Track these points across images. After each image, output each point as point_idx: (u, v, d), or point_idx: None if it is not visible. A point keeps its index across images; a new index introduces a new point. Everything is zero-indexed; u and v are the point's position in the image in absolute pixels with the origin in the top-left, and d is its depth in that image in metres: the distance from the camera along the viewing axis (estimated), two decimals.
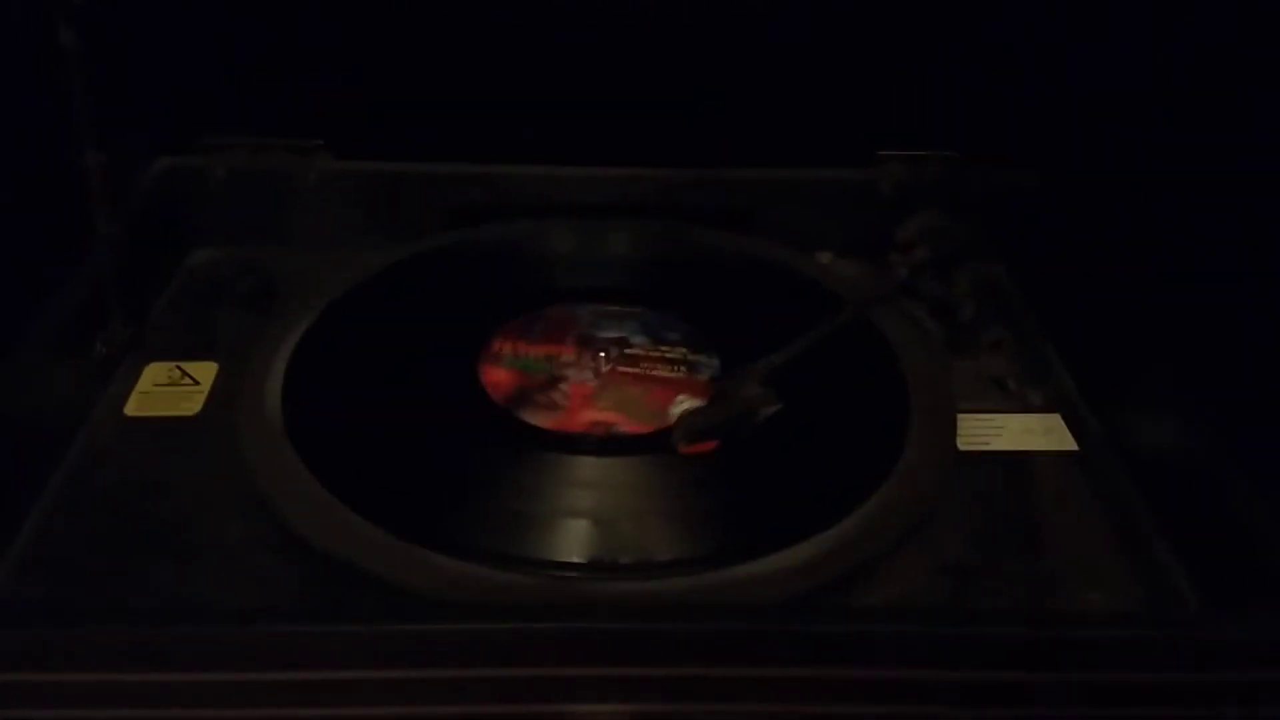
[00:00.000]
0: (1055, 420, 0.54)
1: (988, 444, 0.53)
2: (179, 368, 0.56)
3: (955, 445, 0.50)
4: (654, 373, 0.54)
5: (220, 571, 0.45)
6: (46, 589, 0.44)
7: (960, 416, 0.52)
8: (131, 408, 0.53)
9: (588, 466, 0.48)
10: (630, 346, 0.55)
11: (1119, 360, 0.55)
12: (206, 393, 0.54)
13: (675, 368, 0.54)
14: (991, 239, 0.64)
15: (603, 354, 0.55)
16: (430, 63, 0.64)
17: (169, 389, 0.54)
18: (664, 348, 0.55)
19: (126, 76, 0.59)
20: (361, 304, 0.57)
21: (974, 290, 0.60)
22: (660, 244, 0.63)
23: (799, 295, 0.60)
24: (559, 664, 0.36)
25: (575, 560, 0.44)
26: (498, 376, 0.53)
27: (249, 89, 0.64)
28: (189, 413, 0.53)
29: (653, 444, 0.49)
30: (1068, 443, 0.53)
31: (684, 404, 0.51)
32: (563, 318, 0.57)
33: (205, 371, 0.56)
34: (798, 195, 0.66)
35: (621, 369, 0.54)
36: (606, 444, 0.49)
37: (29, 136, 0.55)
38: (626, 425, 0.51)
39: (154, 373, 0.55)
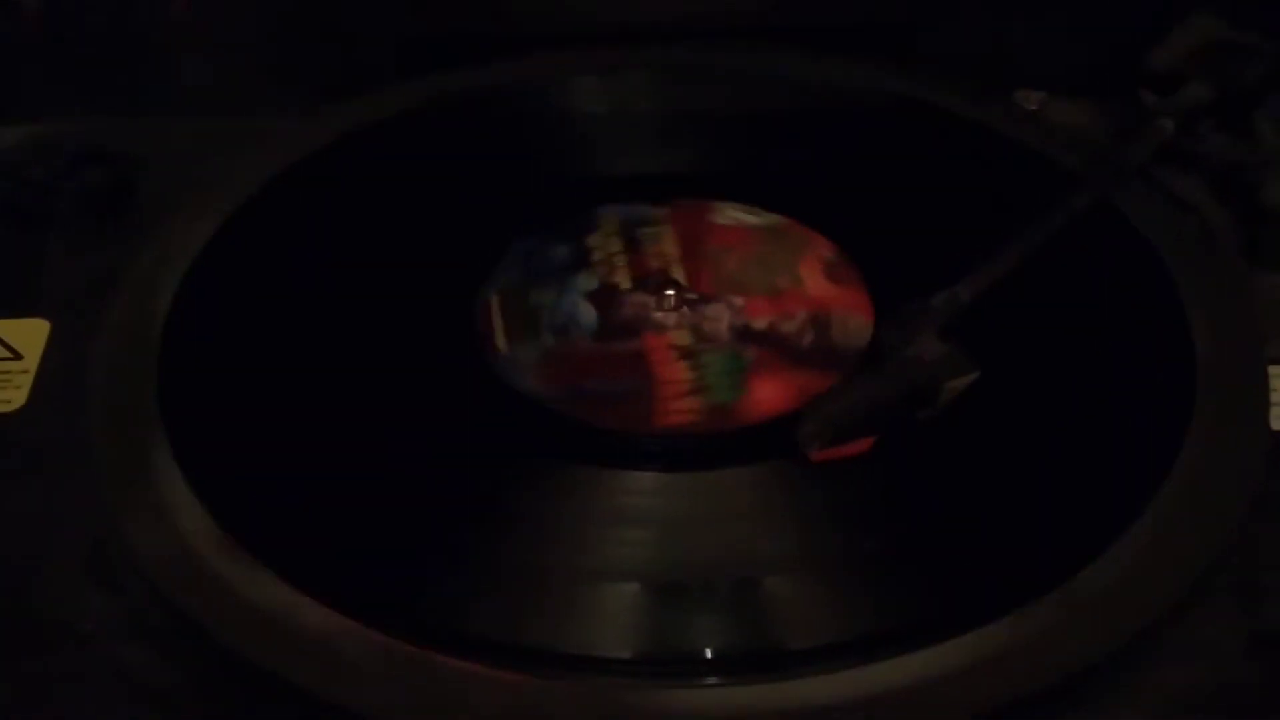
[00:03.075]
0: None
1: None
2: None
3: (1267, 425, 0.37)
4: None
5: (72, 670, 0.32)
6: None
7: (1271, 371, 0.38)
8: None
9: (655, 486, 0.35)
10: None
11: None
12: (34, 372, 0.41)
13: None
14: None
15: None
16: None
17: None
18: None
19: None
20: (283, 211, 0.44)
21: None
22: (759, 87, 0.48)
23: (989, 169, 0.45)
24: None
25: (632, 656, 0.31)
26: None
27: None
28: (7, 407, 0.40)
29: (758, 445, 0.35)
30: None
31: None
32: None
33: (30, 335, 0.42)
34: None
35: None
36: (683, 449, 0.35)
37: None
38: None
39: None
